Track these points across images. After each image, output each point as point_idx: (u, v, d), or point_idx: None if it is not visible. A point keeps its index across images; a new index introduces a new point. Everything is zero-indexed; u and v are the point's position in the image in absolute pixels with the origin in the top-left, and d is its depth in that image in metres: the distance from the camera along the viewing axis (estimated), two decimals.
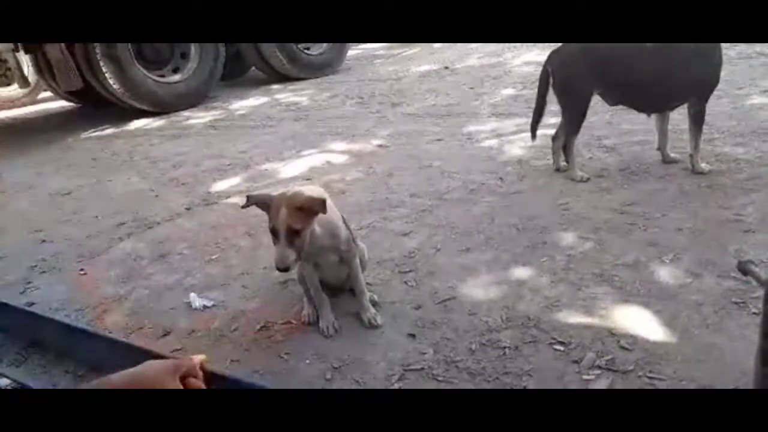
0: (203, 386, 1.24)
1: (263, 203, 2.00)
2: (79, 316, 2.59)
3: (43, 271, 3.13)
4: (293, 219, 1.88)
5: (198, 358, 1.32)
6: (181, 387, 1.18)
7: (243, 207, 2.11)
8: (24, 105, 9.82)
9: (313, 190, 2.07)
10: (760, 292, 2.05)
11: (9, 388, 2.09)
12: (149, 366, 1.16)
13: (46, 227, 3.81)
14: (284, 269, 1.92)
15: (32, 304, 2.72)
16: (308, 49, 8.38)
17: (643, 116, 3.62)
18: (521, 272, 2.47)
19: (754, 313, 1.97)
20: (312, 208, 1.91)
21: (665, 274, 2.32)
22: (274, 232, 1.93)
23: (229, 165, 4.72)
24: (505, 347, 2.00)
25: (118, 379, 1.12)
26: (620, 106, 3.60)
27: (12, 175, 5.40)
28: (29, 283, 3.00)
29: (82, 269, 3.10)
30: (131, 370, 1.15)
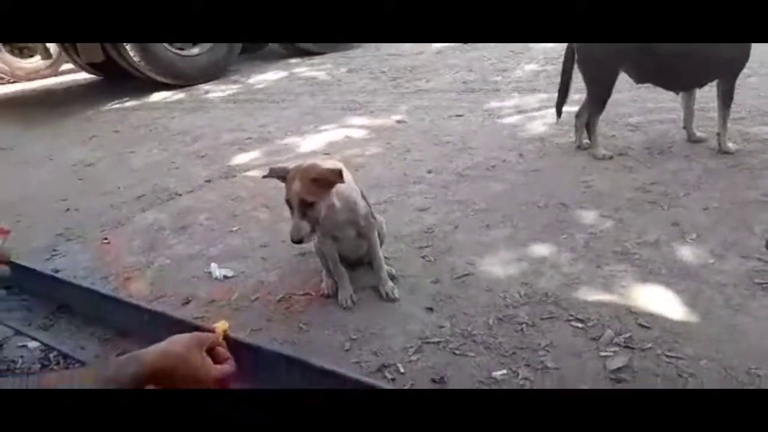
0: (229, 356, 1.27)
1: (282, 175, 2.02)
2: (103, 283, 2.65)
3: (68, 239, 3.19)
4: (306, 191, 1.89)
5: (220, 325, 1.35)
6: (208, 359, 1.21)
7: (264, 177, 2.14)
8: (46, 77, 9.91)
9: (331, 163, 2.07)
10: None
11: (37, 350, 2.18)
12: (176, 340, 1.19)
13: (69, 197, 3.87)
14: (298, 241, 1.94)
15: (58, 271, 2.78)
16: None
17: (669, 94, 3.55)
18: (540, 249, 2.46)
19: None
20: (327, 179, 1.92)
21: (688, 253, 2.29)
22: (289, 205, 1.96)
23: (248, 139, 4.74)
24: (522, 323, 2.00)
25: (148, 355, 1.14)
26: (647, 84, 3.52)
27: (36, 145, 5.49)
28: (55, 250, 3.07)
29: (105, 238, 3.16)
30: (159, 345, 1.18)
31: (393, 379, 1.81)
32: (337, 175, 1.90)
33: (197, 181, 3.88)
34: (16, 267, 2.08)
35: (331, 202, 2.00)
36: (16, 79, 9.70)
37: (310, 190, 1.90)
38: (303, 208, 1.91)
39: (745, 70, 3.21)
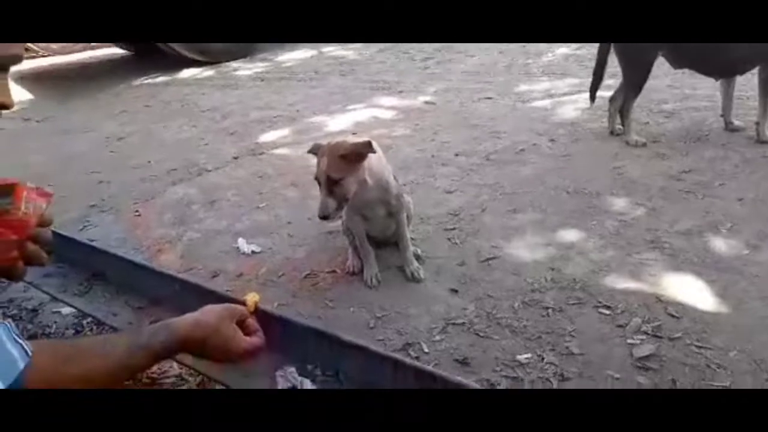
0: (258, 328, 1.30)
1: (315, 151, 2.06)
2: (134, 254, 2.71)
3: (101, 211, 3.27)
4: (332, 168, 1.90)
5: (251, 297, 1.38)
6: (239, 331, 1.23)
7: (308, 152, 2.17)
8: (79, 51, 10.07)
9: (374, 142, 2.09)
10: None
11: (71, 316, 2.25)
12: (209, 311, 1.22)
13: (102, 169, 3.95)
14: (324, 217, 1.96)
15: (91, 241, 2.85)
16: None
17: (706, 80, 3.45)
18: (569, 235, 2.44)
19: None
20: (356, 152, 1.93)
21: (721, 244, 2.25)
22: (318, 181, 1.98)
23: (276, 117, 4.76)
24: (548, 308, 1.99)
25: (180, 323, 1.17)
26: (685, 70, 3.43)
27: (71, 118, 5.60)
28: (88, 220, 3.15)
29: (137, 211, 3.22)
30: (192, 314, 1.21)
31: (417, 358, 1.82)
32: (367, 146, 1.91)
33: (226, 157, 3.92)
34: (53, 234, 2.14)
35: (362, 178, 2.00)
36: (51, 53, 9.88)
37: (338, 166, 1.91)
38: (330, 185, 1.93)
39: None
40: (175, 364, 1.84)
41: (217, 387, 1.74)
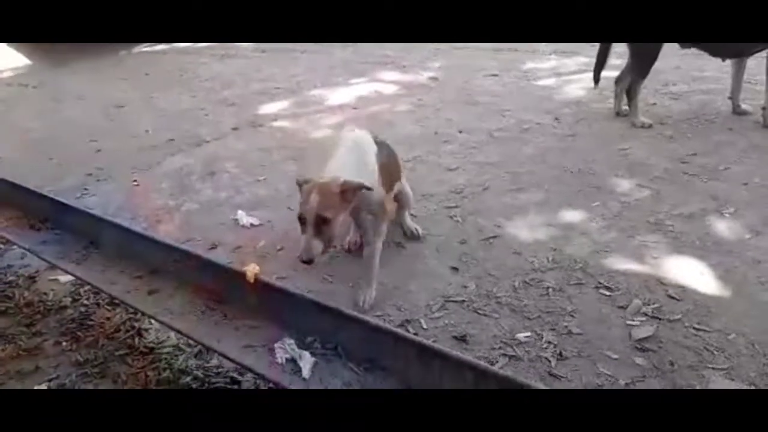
0: None
1: (300, 184, 1.84)
2: (132, 224, 2.68)
3: (99, 180, 3.24)
4: (323, 206, 1.70)
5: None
6: None
7: (298, 183, 1.88)
8: None
9: (359, 138, 1.96)
10: None
11: (69, 284, 2.24)
12: None
13: (100, 137, 3.90)
14: (308, 261, 1.70)
15: (89, 209, 2.83)
16: None
17: (714, 62, 3.39)
18: (571, 216, 2.42)
19: None
20: (352, 189, 1.75)
21: (724, 228, 2.23)
22: (301, 220, 1.74)
23: (277, 89, 4.70)
24: (548, 287, 1.98)
25: None
26: (691, 50, 3.37)
27: (68, 83, 5.52)
28: (86, 189, 3.12)
29: (135, 180, 3.19)
30: None
31: (416, 334, 1.81)
32: (361, 186, 1.76)
33: (225, 128, 3.88)
34: (50, 201, 2.11)
35: (347, 218, 1.86)
36: None
37: (330, 204, 1.71)
38: (318, 224, 1.71)
39: None
40: (172, 334, 1.84)
41: (215, 357, 1.74)
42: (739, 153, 2.80)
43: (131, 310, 1.94)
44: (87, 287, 2.16)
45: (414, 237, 2.33)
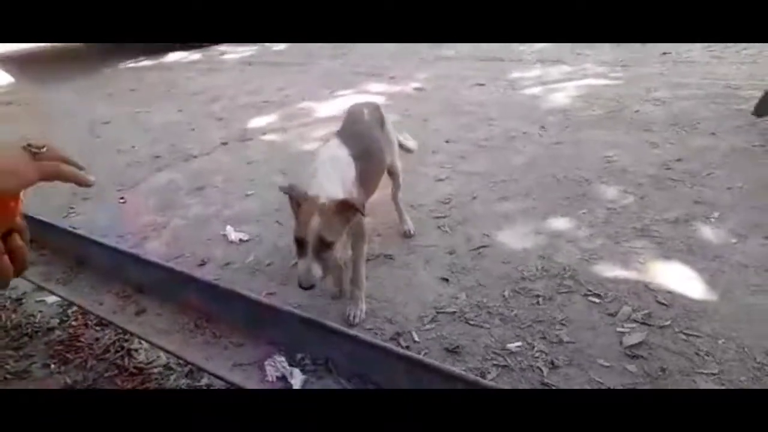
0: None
1: (296, 198, 1.72)
2: (120, 242, 2.67)
3: (85, 198, 3.21)
4: (327, 229, 1.61)
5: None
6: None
7: (282, 190, 1.77)
8: None
9: (335, 153, 1.88)
10: None
11: (56, 305, 2.21)
12: None
13: (87, 154, 3.87)
14: (309, 287, 1.61)
15: (75, 228, 2.80)
16: None
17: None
18: (559, 223, 2.43)
19: None
20: (351, 210, 1.68)
21: (709, 232, 2.25)
22: (299, 243, 1.64)
23: (265, 102, 4.70)
24: (538, 296, 1.99)
25: None
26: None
27: (53, 101, 5.49)
28: (72, 208, 3.09)
29: (122, 197, 3.17)
30: None
31: (407, 347, 1.81)
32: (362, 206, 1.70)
33: (213, 142, 3.87)
34: (35, 222, 2.09)
35: (346, 239, 1.81)
36: None
37: (333, 225, 1.63)
38: (320, 248, 1.61)
39: None
40: (162, 354, 1.82)
41: (206, 377, 1.73)
42: (721, 157, 2.84)
43: (120, 330, 1.92)
44: (75, 308, 2.14)
45: (406, 236, 2.44)
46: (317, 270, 1.60)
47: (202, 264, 2.44)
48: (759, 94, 3.08)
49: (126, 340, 1.95)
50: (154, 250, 2.58)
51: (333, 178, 1.79)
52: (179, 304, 1.55)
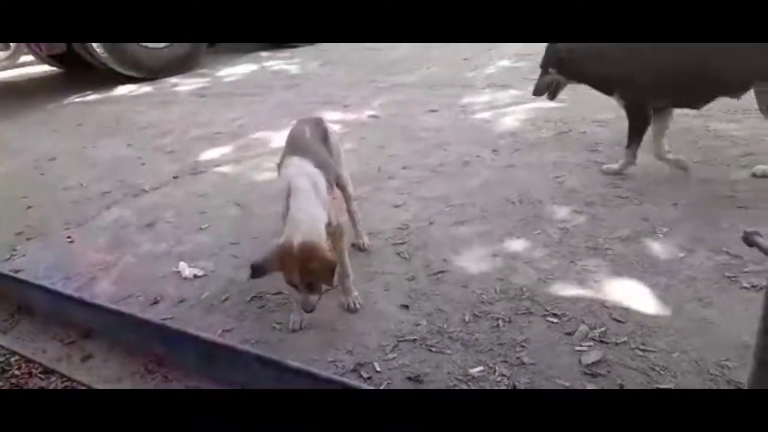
0: None
1: (270, 265, 1.88)
2: (66, 283, 2.55)
3: (29, 238, 3.07)
4: (316, 272, 1.84)
5: None
6: None
7: (251, 278, 1.92)
8: (4, 69, 9.51)
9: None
10: (753, 267, 2.07)
11: None
12: None
13: (31, 193, 3.72)
14: (311, 311, 1.92)
15: (18, 271, 2.66)
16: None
17: None
18: (515, 245, 2.47)
19: (746, 288, 1.99)
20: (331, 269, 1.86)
21: (658, 248, 2.33)
22: (292, 284, 1.90)
23: (218, 134, 4.63)
24: (498, 319, 2.00)
25: None
26: None
27: None
28: (15, 249, 2.95)
29: (69, 236, 3.04)
30: None
31: (369, 378, 1.78)
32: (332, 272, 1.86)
33: (164, 177, 3.78)
34: None
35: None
36: None
37: (319, 266, 1.83)
38: (311, 285, 1.87)
39: None
40: None
41: None
42: (665, 174, 2.95)
43: (65, 378, 1.82)
44: (17, 357, 2.02)
45: (361, 249, 2.53)
46: (313, 298, 1.88)
47: (155, 303, 2.35)
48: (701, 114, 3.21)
49: (72, 389, 1.85)
50: (103, 290, 2.48)
51: (311, 198, 1.94)
52: (128, 349, 1.49)
